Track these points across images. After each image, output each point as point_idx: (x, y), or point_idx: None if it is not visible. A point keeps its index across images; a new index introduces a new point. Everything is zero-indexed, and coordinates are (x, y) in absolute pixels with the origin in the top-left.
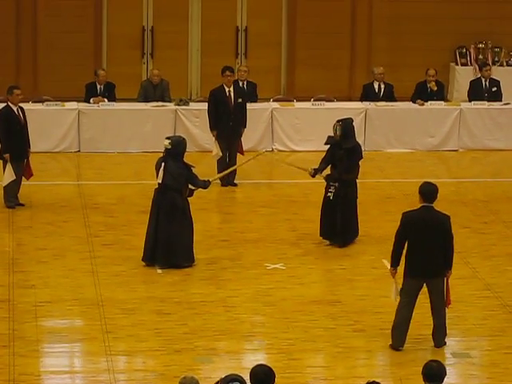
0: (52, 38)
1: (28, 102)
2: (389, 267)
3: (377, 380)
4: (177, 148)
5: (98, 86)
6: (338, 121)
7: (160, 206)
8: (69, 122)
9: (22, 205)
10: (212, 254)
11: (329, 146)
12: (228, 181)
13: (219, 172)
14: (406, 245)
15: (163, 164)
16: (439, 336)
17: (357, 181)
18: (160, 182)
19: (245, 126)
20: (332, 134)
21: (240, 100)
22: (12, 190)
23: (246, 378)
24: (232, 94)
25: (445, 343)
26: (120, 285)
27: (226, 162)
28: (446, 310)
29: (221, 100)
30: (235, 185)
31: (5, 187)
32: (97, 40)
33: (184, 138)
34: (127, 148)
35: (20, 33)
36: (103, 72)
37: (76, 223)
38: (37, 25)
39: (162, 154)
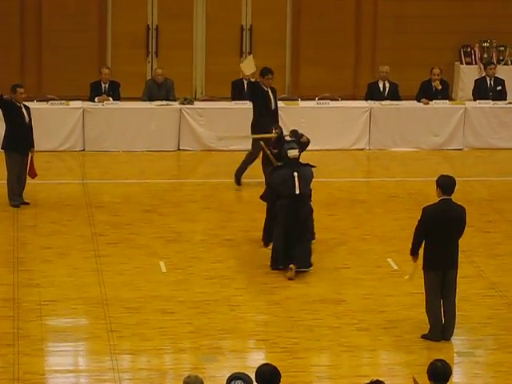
0: (56, 37)
1: (33, 100)
2: (412, 259)
3: (381, 379)
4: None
5: (103, 85)
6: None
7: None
8: (73, 121)
9: (27, 203)
10: (216, 253)
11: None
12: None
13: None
14: (426, 238)
15: (296, 174)
16: (449, 327)
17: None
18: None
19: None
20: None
21: (276, 100)
22: (17, 189)
23: (251, 376)
24: (271, 94)
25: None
26: (124, 284)
27: (255, 158)
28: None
29: (263, 96)
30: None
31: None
32: (101, 39)
33: None
34: (132, 147)
35: (24, 32)
36: (107, 70)
37: (81, 222)
38: (41, 24)
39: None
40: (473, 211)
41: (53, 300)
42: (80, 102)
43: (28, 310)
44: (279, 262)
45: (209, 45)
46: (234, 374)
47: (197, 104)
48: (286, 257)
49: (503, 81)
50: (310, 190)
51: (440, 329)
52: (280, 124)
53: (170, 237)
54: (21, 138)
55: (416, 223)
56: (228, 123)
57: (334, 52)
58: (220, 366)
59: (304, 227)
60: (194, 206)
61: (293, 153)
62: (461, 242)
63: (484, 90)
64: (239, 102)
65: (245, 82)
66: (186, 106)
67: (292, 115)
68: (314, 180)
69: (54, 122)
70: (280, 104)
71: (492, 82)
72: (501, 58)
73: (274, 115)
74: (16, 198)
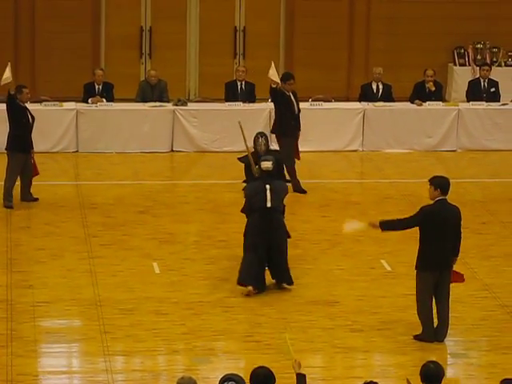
0: (50, 39)
1: (26, 102)
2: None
3: (375, 380)
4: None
5: (97, 86)
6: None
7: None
8: (67, 122)
9: (37, 199)
10: (209, 254)
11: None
12: (298, 188)
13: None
14: (422, 239)
15: (268, 186)
16: (443, 329)
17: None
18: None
19: (299, 129)
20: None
21: (299, 104)
22: (11, 190)
23: (244, 378)
24: (293, 99)
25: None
26: (118, 285)
27: (294, 168)
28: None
29: (285, 101)
30: (304, 192)
31: (5, 185)
32: (95, 40)
33: None
34: (125, 148)
35: (18, 33)
36: (100, 71)
37: (74, 223)
38: (35, 25)
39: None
40: (466, 213)
41: (46, 301)
42: (73, 103)
43: (21, 312)
44: (246, 279)
45: (202, 46)
46: (227, 375)
47: (190, 105)
48: (256, 273)
49: (497, 82)
50: (284, 206)
51: (433, 329)
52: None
53: (164, 238)
54: (25, 139)
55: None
56: (221, 124)
57: (328, 53)
58: (213, 368)
59: (277, 243)
60: (188, 207)
61: (266, 165)
62: None
63: (478, 92)
64: (232, 103)
65: (238, 84)
66: (180, 107)
67: None
68: (306, 181)
69: (47, 123)
70: (273, 106)
71: (486, 84)
72: (494, 59)
73: (297, 119)
74: (11, 198)
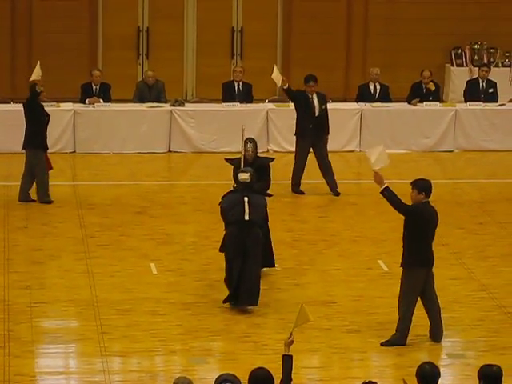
0: (47, 39)
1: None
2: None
3: (373, 380)
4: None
5: (94, 87)
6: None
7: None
8: (64, 123)
9: (34, 201)
10: (207, 255)
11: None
12: (334, 191)
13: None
14: (408, 236)
15: (246, 199)
16: (438, 330)
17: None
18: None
19: (328, 133)
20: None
21: (323, 107)
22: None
23: (240, 378)
24: (316, 101)
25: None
26: (115, 285)
27: (303, 170)
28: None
29: (305, 103)
30: (338, 194)
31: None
32: (92, 41)
33: None
34: (123, 148)
35: (15, 33)
36: (98, 72)
37: (71, 224)
38: (32, 25)
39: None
40: (463, 213)
41: (43, 302)
42: (71, 103)
43: (18, 312)
44: (232, 297)
45: (199, 47)
46: (223, 376)
47: (188, 106)
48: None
49: (495, 84)
50: (266, 218)
51: (408, 333)
52: (272, 125)
53: (161, 239)
54: (43, 136)
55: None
56: (218, 125)
57: (325, 54)
58: (210, 368)
59: (251, 258)
60: (185, 207)
61: (243, 176)
62: (451, 243)
63: (475, 92)
64: (230, 103)
65: (235, 84)
66: (177, 107)
67: (282, 117)
68: (302, 181)
69: None
70: (271, 106)
71: (484, 85)
72: (492, 59)
73: (318, 122)
74: (48, 193)
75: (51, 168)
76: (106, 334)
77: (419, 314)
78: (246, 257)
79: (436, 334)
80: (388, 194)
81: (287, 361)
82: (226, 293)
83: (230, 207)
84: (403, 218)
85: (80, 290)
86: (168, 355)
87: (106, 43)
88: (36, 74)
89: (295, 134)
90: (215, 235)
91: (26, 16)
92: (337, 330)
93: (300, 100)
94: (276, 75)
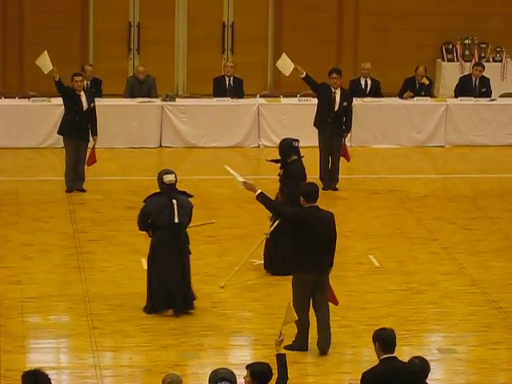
0: (38, 34)
1: (14, 97)
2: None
3: None
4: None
5: (85, 82)
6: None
7: (178, 247)
8: (55, 118)
9: (84, 190)
10: (198, 250)
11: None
12: (330, 185)
13: None
14: (297, 239)
15: (174, 201)
16: (326, 341)
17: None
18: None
19: (348, 131)
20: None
21: (345, 104)
22: (71, 175)
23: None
24: (338, 96)
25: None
26: (106, 281)
27: (327, 165)
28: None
29: (326, 96)
30: (336, 189)
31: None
32: (83, 36)
33: None
34: (114, 144)
35: (6, 28)
36: (90, 68)
37: (62, 219)
38: (23, 20)
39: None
40: (454, 208)
41: (34, 297)
42: (61, 99)
43: (9, 307)
44: (157, 305)
45: (191, 42)
46: (220, 373)
47: (179, 101)
48: (167, 296)
49: (488, 80)
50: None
51: (307, 338)
52: (264, 120)
53: None
54: (76, 125)
55: (397, 220)
56: (210, 120)
57: (316, 49)
58: (202, 363)
59: (185, 260)
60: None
61: (168, 178)
62: (442, 238)
63: (468, 89)
64: (221, 98)
65: (226, 79)
66: (168, 102)
67: (274, 112)
68: None
69: (35, 118)
70: (262, 101)
71: (477, 83)
72: (482, 54)
73: (336, 117)
74: (70, 183)
75: (93, 162)
76: (98, 329)
77: (410, 309)
78: (180, 260)
79: (323, 345)
80: (262, 199)
81: (281, 360)
82: (216, 287)
83: (157, 212)
84: (394, 213)
85: (71, 285)
86: (159, 350)
87: (97, 38)
88: (43, 67)
89: (314, 125)
90: (206, 230)
91: (17, 11)
92: None
93: (321, 91)
94: (283, 64)
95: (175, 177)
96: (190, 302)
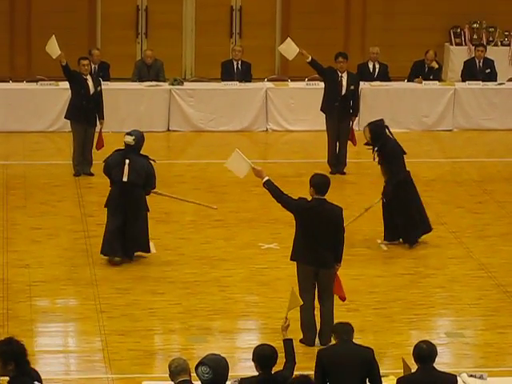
0: (46, 18)
1: (22, 81)
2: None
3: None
4: (139, 143)
5: (93, 66)
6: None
7: (126, 203)
8: (63, 102)
9: (92, 174)
10: (206, 234)
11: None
12: (338, 169)
13: None
14: (299, 230)
15: (127, 161)
16: (327, 332)
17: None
18: (126, 179)
19: (356, 115)
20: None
21: (352, 87)
22: (78, 159)
23: (235, 356)
24: (344, 80)
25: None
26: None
27: (334, 150)
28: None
29: (332, 80)
30: (344, 173)
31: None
32: (91, 20)
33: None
34: (122, 127)
35: (14, 12)
36: (98, 52)
37: (70, 203)
38: (31, 4)
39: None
40: (462, 192)
41: (42, 281)
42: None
43: (17, 291)
44: (106, 249)
45: (198, 26)
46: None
47: (186, 85)
48: (119, 244)
49: (493, 62)
50: (153, 184)
51: (314, 333)
52: (271, 104)
53: (160, 217)
54: (83, 109)
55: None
56: (218, 104)
57: (324, 33)
58: (209, 347)
59: (131, 218)
60: (184, 186)
61: (127, 139)
62: (450, 222)
63: (473, 72)
64: (229, 82)
65: (234, 63)
66: (176, 86)
67: (281, 96)
68: (302, 161)
69: (43, 102)
70: (270, 85)
71: (481, 64)
72: (491, 38)
73: (343, 101)
74: (78, 167)
75: (101, 146)
76: (105, 312)
77: (419, 293)
78: (126, 217)
79: (325, 339)
80: (269, 186)
81: (288, 345)
82: (224, 271)
83: (113, 165)
84: None
85: (79, 268)
86: (167, 334)
87: (104, 22)
88: (52, 52)
89: (320, 110)
90: (214, 214)
91: None
92: (336, 309)
93: (327, 75)
94: (287, 48)
95: (134, 139)
96: (129, 252)
